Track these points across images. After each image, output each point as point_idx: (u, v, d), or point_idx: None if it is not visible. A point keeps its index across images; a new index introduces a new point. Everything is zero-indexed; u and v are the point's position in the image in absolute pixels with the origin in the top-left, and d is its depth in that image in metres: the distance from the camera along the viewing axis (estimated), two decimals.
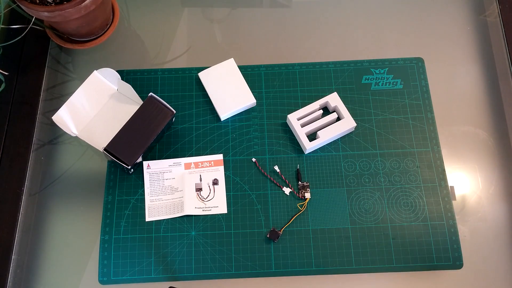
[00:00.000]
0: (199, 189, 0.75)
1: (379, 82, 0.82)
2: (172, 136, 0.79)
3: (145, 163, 0.77)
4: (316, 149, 0.78)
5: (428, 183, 0.75)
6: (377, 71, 0.83)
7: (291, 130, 0.79)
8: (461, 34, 0.87)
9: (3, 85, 0.79)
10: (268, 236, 0.72)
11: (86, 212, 0.75)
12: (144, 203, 0.75)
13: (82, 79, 0.79)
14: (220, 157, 0.77)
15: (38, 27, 0.85)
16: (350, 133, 0.79)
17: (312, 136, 0.78)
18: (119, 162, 0.71)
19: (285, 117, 0.80)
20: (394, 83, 0.82)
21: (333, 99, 0.79)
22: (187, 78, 0.83)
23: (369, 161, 0.77)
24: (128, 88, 0.79)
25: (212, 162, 0.77)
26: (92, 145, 0.76)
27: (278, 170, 0.76)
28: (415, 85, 0.82)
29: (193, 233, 0.73)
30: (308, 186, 0.75)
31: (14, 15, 0.84)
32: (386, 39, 0.87)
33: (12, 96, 0.82)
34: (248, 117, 0.80)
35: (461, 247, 0.72)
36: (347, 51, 0.86)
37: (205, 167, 0.77)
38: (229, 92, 0.80)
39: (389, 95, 0.81)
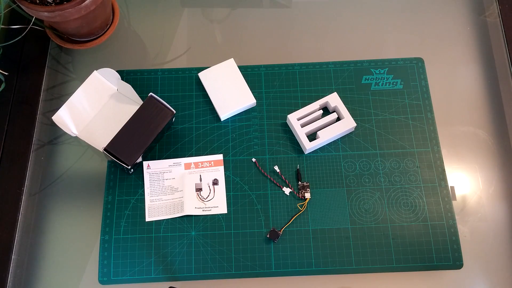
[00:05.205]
0: (199, 189, 0.75)
1: (379, 82, 0.82)
2: (172, 136, 0.79)
3: (145, 163, 0.77)
4: (316, 149, 0.78)
5: (428, 183, 0.75)
6: (377, 71, 0.83)
7: (291, 130, 0.79)
8: (461, 34, 0.87)
9: (3, 85, 0.79)
10: (268, 236, 0.72)
11: (86, 212, 0.75)
12: (144, 203, 0.75)
13: (82, 79, 0.80)
14: (220, 157, 0.77)
15: (38, 27, 0.85)
16: (350, 133, 0.79)
17: (312, 136, 0.78)
18: (119, 162, 0.71)
19: (285, 117, 0.80)
20: (394, 83, 0.82)
21: (333, 99, 0.79)
22: (187, 78, 0.83)
23: (369, 161, 0.77)
24: (128, 88, 0.79)
25: (212, 162, 0.77)
26: (92, 145, 0.76)
27: (278, 170, 0.76)
28: (415, 85, 0.82)
29: (193, 233, 0.73)
30: (308, 186, 0.75)
31: (14, 15, 0.84)
32: (386, 39, 0.87)
33: (12, 96, 0.82)
34: (248, 117, 0.80)
35: (461, 247, 0.72)
36: (347, 51, 0.86)
37: (205, 167, 0.77)
38: (229, 92, 0.80)
39: (389, 95, 0.81)
